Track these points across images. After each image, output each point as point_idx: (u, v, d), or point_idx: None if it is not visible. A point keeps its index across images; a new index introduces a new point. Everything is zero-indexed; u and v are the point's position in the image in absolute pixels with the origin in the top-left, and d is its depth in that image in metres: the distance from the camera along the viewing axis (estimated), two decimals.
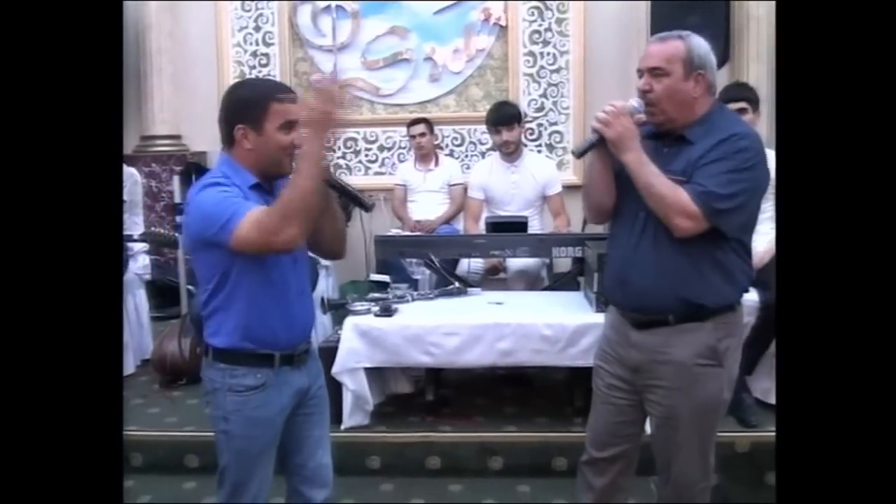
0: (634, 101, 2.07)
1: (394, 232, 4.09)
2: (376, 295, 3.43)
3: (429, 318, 3.21)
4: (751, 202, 2.03)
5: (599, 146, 2.09)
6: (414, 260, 3.89)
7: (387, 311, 3.19)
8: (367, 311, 3.24)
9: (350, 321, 3.21)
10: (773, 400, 3.38)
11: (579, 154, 2.18)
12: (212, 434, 2.03)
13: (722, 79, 4.78)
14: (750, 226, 2.11)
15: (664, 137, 2.11)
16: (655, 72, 2.04)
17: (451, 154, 5.42)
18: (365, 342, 3.17)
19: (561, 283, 3.98)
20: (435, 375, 3.48)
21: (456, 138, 5.51)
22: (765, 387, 3.42)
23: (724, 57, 4.83)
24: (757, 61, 5.12)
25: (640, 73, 2.08)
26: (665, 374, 2.09)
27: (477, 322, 3.17)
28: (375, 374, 3.35)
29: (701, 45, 2.06)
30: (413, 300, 3.43)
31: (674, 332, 2.07)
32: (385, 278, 4.27)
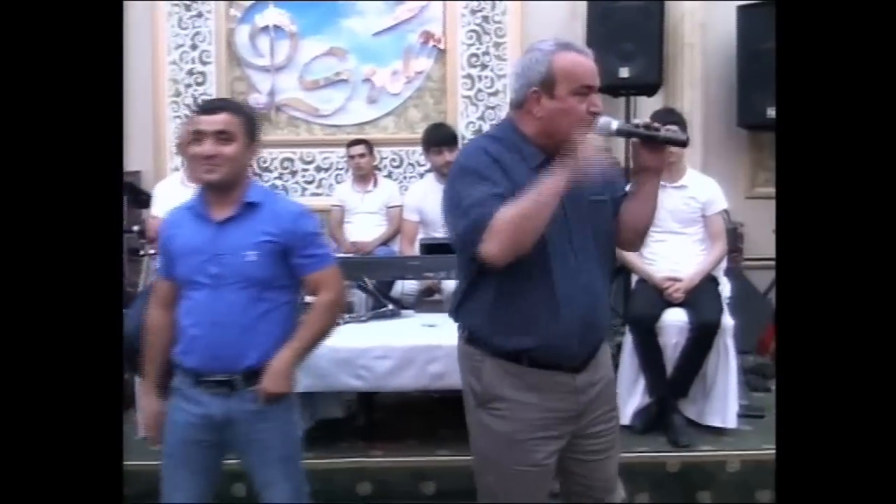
0: (614, 122, 1.88)
1: None
2: None
3: (360, 341, 3.16)
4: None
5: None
6: (346, 282, 3.83)
7: None
8: None
9: None
10: (706, 421, 3.42)
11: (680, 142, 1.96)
12: None
13: (656, 104, 4.89)
14: None
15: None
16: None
17: (389, 176, 5.39)
18: None
19: None
20: (367, 399, 3.42)
21: (394, 160, 5.48)
22: (698, 408, 3.45)
23: (658, 83, 4.92)
24: (691, 87, 5.23)
25: (588, 90, 1.86)
26: (608, 395, 2.05)
27: (409, 344, 3.13)
28: (305, 399, 3.26)
29: None
30: (344, 322, 3.37)
31: (601, 353, 2.02)
32: None
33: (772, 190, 5.28)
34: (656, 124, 1.91)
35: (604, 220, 1.99)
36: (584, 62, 1.88)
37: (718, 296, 3.46)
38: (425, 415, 3.66)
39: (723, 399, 3.39)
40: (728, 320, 3.40)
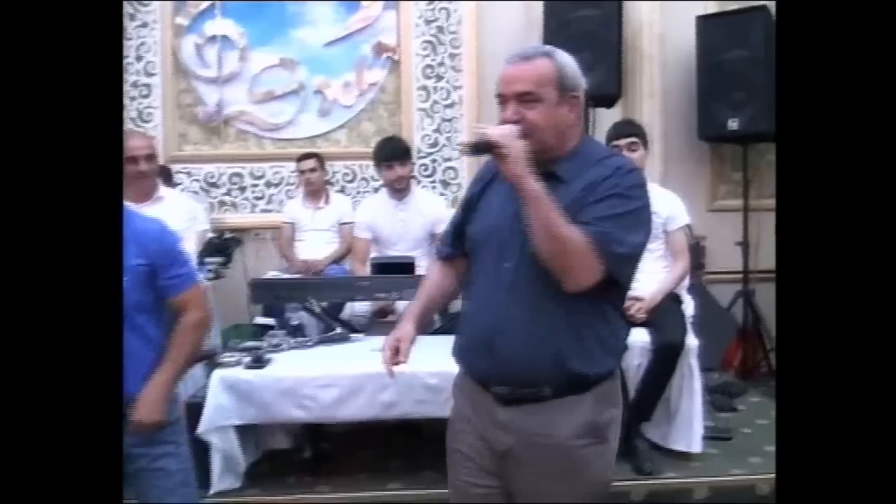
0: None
1: (271, 274, 3.83)
2: (248, 344, 3.16)
3: (304, 369, 2.96)
4: (645, 246, 1.76)
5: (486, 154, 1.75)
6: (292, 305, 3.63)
7: (258, 363, 2.92)
8: (237, 363, 2.96)
9: (217, 374, 2.92)
10: (671, 445, 3.28)
11: (473, 151, 1.74)
12: None
13: (615, 117, 4.78)
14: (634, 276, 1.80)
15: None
16: (525, 97, 1.72)
17: (342, 191, 5.21)
18: (233, 397, 2.88)
19: (452, 324, 3.78)
20: (314, 429, 3.22)
21: (347, 174, 5.29)
22: (661, 432, 3.30)
23: (617, 94, 4.81)
24: (650, 99, 5.14)
25: (502, 99, 1.75)
26: (542, 459, 1.73)
27: (357, 372, 2.94)
28: (249, 429, 3.07)
29: (570, 62, 1.77)
30: (289, 348, 3.17)
31: (550, 407, 1.72)
32: (270, 321, 4.00)
33: (733, 202, 5.35)
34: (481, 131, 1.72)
35: None
36: (503, 71, 1.77)
37: (682, 315, 3.33)
38: (377, 445, 3.47)
39: (688, 422, 3.25)
40: (692, 340, 3.27)
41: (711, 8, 5.17)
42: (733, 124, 4.82)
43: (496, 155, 1.67)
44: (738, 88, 4.78)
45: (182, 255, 2.15)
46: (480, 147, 1.71)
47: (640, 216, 1.73)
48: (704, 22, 4.97)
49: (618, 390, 1.83)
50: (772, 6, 4.93)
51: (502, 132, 1.68)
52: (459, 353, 1.86)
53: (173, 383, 2.08)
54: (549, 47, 1.81)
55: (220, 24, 5.25)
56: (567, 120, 1.76)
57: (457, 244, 1.93)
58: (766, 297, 5.08)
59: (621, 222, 1.67)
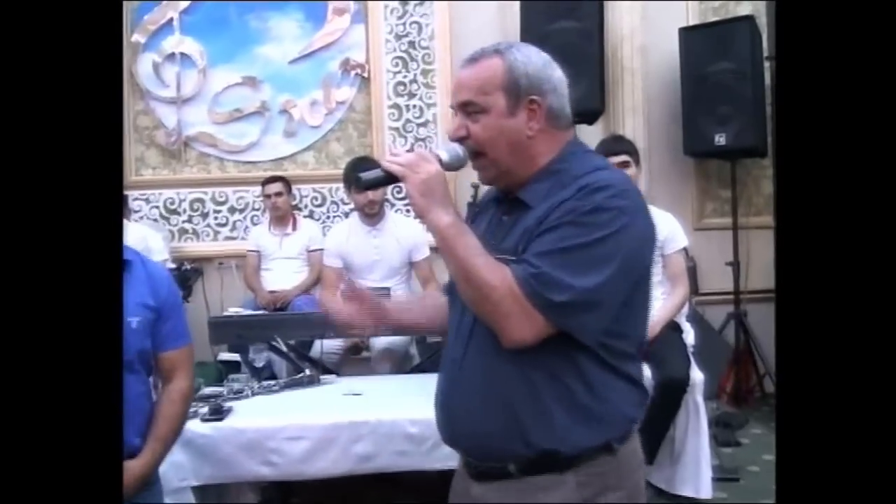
0: (446, 150, 1.44)
1: (233, 311, 3.52)
2: (206, 391, 2.83)
3: (269, 419, 2.63)
4: (616, 286, 1.33)
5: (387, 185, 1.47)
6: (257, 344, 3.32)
7: (217, 413, 2.59)
8: (194, 414, 2.62)
9: None
10: (677, 490, 3.00)
11: (367, 185, 1.46)
12: None
13: (596, 132, 4.55)
14: (625, 320, 1.38)
15: (503, 202, 1.51)
16: (469, 108, 1.43)
17: (310, 216, 4.91)
18: (190, 454, 2.54)
19: (433, 360, 3.49)
20: (283, 485, 2.89)
21: (316, 198, 4.99)
22: (666, 475, 3.02)
23: (600, 109, 4.58)
24: (633, 114, 4.93)
25: (454, 111, 1.48)
26: None
27: (329, 421, 2.61)
28: (210, 488, 2.73)
29: (531, 59, 1.43)
30: (253, 395, 2.85)
31: (521, 486, 1.40)
32: (235, 357, 3.70)
33: (720, 220, 5.14)
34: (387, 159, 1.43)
35: None
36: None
37: (684, 347, 3.07)
38: (351, 495, 3.14)
39: (694, 464, 2.97)
40: (697, 374, 3.00)
41: (694, 19, 4.98)
42: (721, 139, 4.62)
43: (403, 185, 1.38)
44: (725, 102, 4.60)
45: (183, 309, 2.06)
46: (377, 180, 1.43)
47: (598, 249, 1.31)
48: (688, 33, 4.79)
49: (623, 466, 1.42)
50: (758, 18, 4.77)
51: (407, 159, 1.38)
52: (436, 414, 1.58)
53: (159, 464, 1.93)
54: (506, 43, 1.48)
55: (178, 41, 4.97)
56: (523, 131, 1.41)
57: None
58: (757, 319, 4.89)
59: (567, 259, 1.30)
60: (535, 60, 1.43)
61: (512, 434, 1.37)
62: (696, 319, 3.79)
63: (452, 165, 1.44)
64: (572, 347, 1.35)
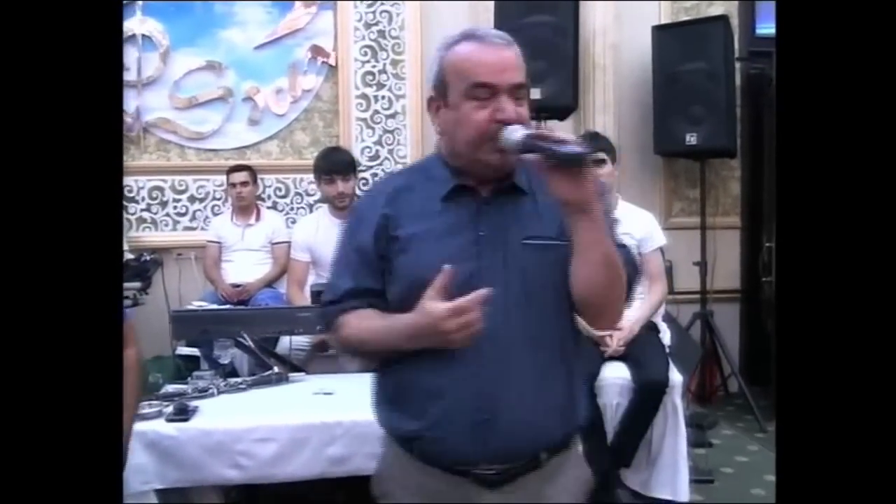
0: (520, 132, 1.33)
1: (197, 304, 3.37)
2: (170, 389, 2.69)
3: (237, 419, 2.51)
4: None
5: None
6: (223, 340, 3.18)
7: (182, 414, 2.46)
8: (158, 414, 2.49)
9: (134, 429, 2.45)
10: (653, 492, 2.95)
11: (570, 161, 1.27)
12: None
13: (566, 129, 4.49)
14: None
15: (475, 190, 1.44)
16: (519, 91, 1.38)
17: (273, 207, 4.75)
18: (153, 456, 2.41)
19: None
20: (251, 488, 2.77)
21: (279, 189, 4.84)
22: (642, 478, 2.97)
23: (573, 106, 4.53)
24: (604, 111, 4.89)
25: (491, 90, 1.36)
26: None
27: (299, 422, 2.50)
28: (173, 492, 2.60)
29: None
30: (219, 393, 2.72)
31: (544, 476, 1.43)
32: (194, 352, 3.55)
33: (688, 220, 5.12)
34: (562, 135, 1.31)
35: (547, 274, 1.40)
36: (479, 54, 1.38)
37: (662, 347, 3.03)
38: (320, 498, 3.03)
39: (672, 467, 2.93)
40: (676, 376, 2.96)
41: (666, 18, 4.96)
42: (692, 139, 4.60)
43: (575, 174, 1.27)
44: (696, 102, 4.59)
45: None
46: (578, 158, 1.27)
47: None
48: (661, 32, 4.76)
49: None
50: (730, 18, 4.76)
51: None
52: (421, 437, 1.42)
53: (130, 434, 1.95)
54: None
55: (140, 23, 4.75)
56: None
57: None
58: (723, 319, 4.90)
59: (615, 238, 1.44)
60: None
61: (559, 423, 1.43)
62: (670, 319, 3.76)
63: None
64: (574, 328, 1.48)
